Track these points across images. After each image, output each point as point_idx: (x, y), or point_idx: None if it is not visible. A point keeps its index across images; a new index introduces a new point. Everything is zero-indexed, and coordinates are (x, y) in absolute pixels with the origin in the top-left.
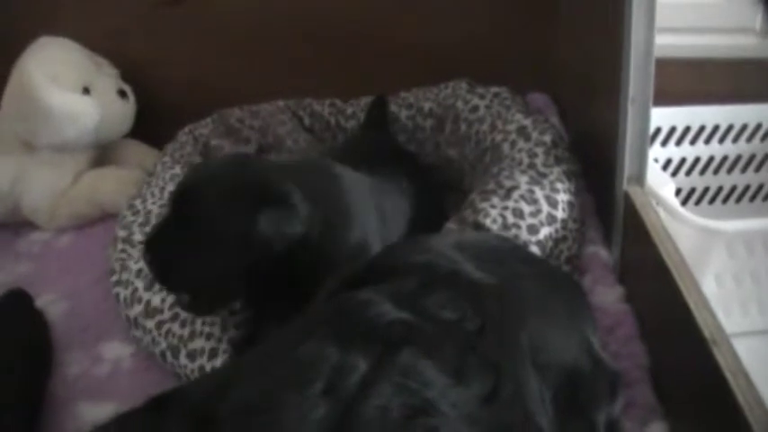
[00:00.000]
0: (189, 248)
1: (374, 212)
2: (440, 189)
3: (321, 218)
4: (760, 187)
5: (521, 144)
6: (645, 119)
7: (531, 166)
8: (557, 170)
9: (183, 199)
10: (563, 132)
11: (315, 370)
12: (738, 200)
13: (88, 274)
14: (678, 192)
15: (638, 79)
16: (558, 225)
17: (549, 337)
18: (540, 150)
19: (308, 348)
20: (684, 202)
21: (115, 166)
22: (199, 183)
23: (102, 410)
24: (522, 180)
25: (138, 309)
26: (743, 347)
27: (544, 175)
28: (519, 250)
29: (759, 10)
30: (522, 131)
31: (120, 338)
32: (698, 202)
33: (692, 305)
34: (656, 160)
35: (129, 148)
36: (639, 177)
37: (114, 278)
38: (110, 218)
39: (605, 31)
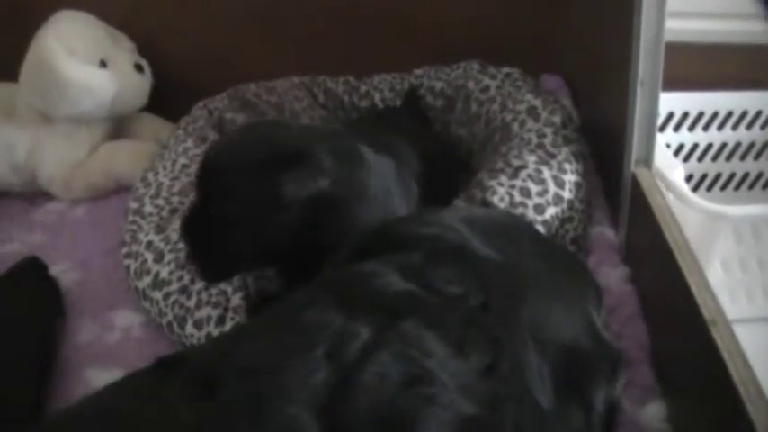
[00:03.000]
0: (222, 225)
1: (397, 181)
2: (452, 167)
3: (347, 177)
4: None
5: (530, 124)
6: (653, 102)
7: (540, 146)
8: (565, 151)
9: (206, 176)
10: (573, 113)
11: (317, 335)
12: (751, 187)
13: (101, 244)
14: (690, 178)
15: (647, 62)
16: (565, 205)
17: (552, 315)
18: (548, 131)
19: (312, 315)
20: (696, 188)
21: (130, 139)
22: (220, 157)
23: (111, 376)
24: (531, 160)
25: (146, 280)
26: (749, 333)
27: (552, 156)
28: (527, 228)
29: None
30: (531, 111)
31: (131, 308)
32: (710, 189)
33: (692, 286)
34: (668, 145)
35: (145, 122)
36: (647, 160)
37: (125, 250)
38: (124, 190)
39: (616, 14)
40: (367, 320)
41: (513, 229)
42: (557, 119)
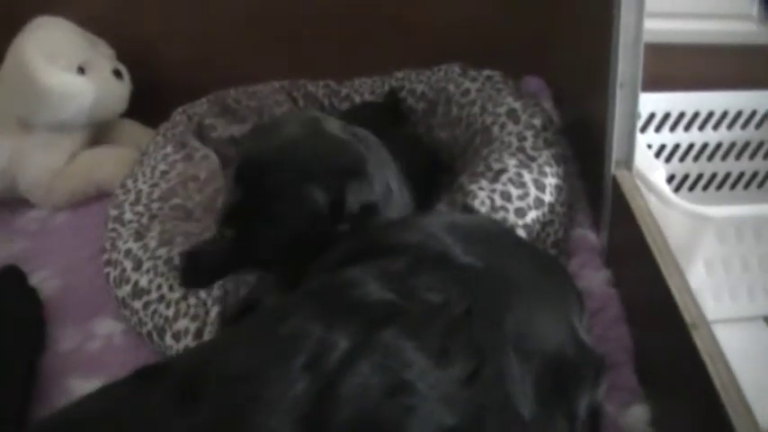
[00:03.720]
0: (269, 224)
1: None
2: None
3: (386, 185)
4: (754, 175)
5: (510, 127)
6: (633, 104)
7: (520, 149)
8: (545, 154)
9: (255, 171)
10: (554, 116)
11: (297, 346)
12: (732, 187)
13: (83, 251)
14: (672, 178)
15: (626, 64)
16: (546, 209)
17: (534, 322)
18: (529, 134)
19: (292, 324)
20: (678, 189)
21: (111, 145)
22: (271, 153)
23: (93, 385)
24: (511, 163)
25: (126, 289)
26: (733, 333)
27: (533, 159)
28: (509, 234)
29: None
30: (511, 114)
31: (113, 315)
32: (692, 189)
33: (673, 290)
34: (649, 146)
35: (125, 128)
36: (628, 161)
37: (105, 257)
38: (105, 196)
39: (596, 16)
40: (346, 330)
41: (495, 234)
42: (537, 121)
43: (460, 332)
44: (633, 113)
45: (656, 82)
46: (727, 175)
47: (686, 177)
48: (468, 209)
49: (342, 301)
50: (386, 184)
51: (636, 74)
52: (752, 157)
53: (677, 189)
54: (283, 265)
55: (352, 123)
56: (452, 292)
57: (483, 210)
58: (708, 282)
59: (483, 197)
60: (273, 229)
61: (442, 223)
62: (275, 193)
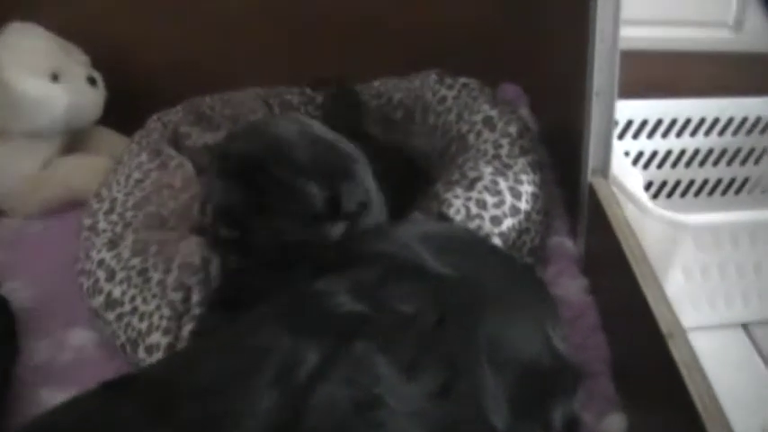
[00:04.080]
0: (269, 222)
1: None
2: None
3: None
4: (731, 181)
5: (486, 134)
6: (609, 111)
7: (496, 156)
8: (521, 161)
9: (251, 169)
10: (531, 123)
11: (266, 359)
12: (710, 193)
13: (57, 261)
14: (650, 185)
15: (602, 72)
16: (522, 216)
17: (509, 333)
18: (505, 141)
19: (262, 337)
20: (656, 196)
21: (86, 153)
22: (266, 150)
23: (66, 397)
24: (487, 171)
25: (99, 300)
26: (711, 341)
27: (508, 167)
28: (483, 243)
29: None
30: (487, 122)
31: (86, 326)
32: (669, 195)
33: (649, 298)
34: (626, 153)
35: (100, 136)
36: (604, 169)
37: (78, 267)
38: (80, 205)
39: (572, 24)
40: (316, 343)
41: (468, 244)
42: (513, 129)
43: (432, 344)
44: (609, 121)
45: (633, 89)
46: (705, 182)
47: (664, 184)
48: (444, 217)
49: (312, 312)
50: (369, 188)
51: (612, 82)
52: (729, 163)
53: (655, 196)
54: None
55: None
56: (424, 303)
57: (458, 218)
58: (686, 289)
59: (458, 205)
60: (273, 228)
61: (415, 233)
62: (273, 189)
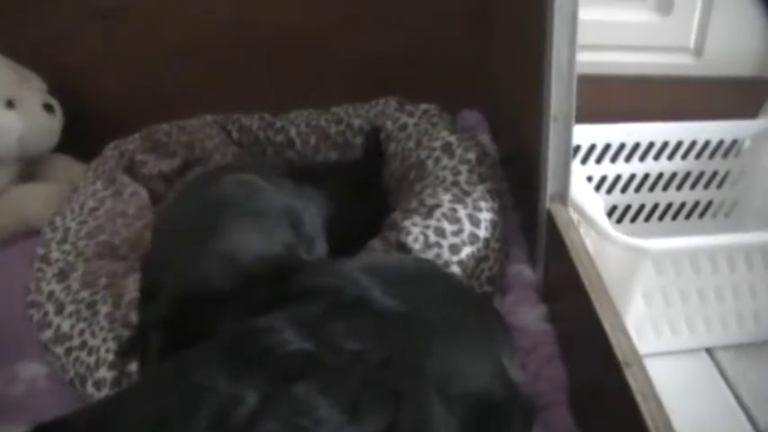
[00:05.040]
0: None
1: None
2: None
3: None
4: (695, 204)
5: (445, 161)
6: (567, 137)
7: (455, 183)
8: (480, 188)
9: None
10: (490, 149)
11: (201, 402)
12: (674, 217)
13: (8, 291)
14: (614, 209)
15: (560, 98)
16: (481, 244)
17: (459, 366)
18: (463, 168)
19: (198, 378)
20: (620, 220)
21: (42, 181)
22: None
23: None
24: (445, 198)
25: (48, 333)
26: (672, 366)
27: (467, 194)
28: (434, 273)
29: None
30: (446, 148)
31: (37, 359)
32: (633, 220)
33: (606, 326)
34: (590, 178)
35: (57, 163)
36: (563, 195)
37: (29, 298)
38: (35, 234)
39: (530, 50)
40: (255, 383)
41: (419, 275)
42: (471, 156)
43: (377, 383)
44: (568, 146)
45: (595, 113)
46: (669, 206)
47: (628, 208)
48: (402, 246)
49: (253, 350)
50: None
51: (569, 108)
52: (692, 187)
53: (619, 220)
54: None
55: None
56: (370, 339)
57: (417, 246)
58: (648, 315)
59: (416, 233)
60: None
61: (362, 265)
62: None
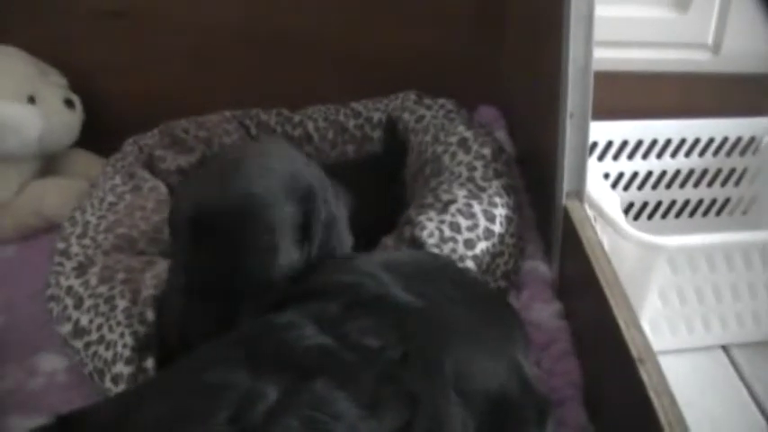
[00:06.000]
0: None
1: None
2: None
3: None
4: (713, 202)
5: (460, 156)
6: (584, 133)
7: (470, 179)
8: (495, 184)
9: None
10: (506, 145)
11: (221, 397)
12: (691, 214)
13: (29, 286)
14: (630, 206)
15: (576, 94)
16: (496, 240)
17: (476, 363)
18: (479, 164)
19: (217, 373)
20: (637, 217)
21: (62, 176)
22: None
23: (35, 424)
24: (460, 194)
25: (67, 327)
26: (691, 363)
27: (483, 189)
28: (450, 269)
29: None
30: (462, 143)
31: (56, 352)
32: (650, 217)
33: (621, 323)
34: (607, 174)
35: (77, 159)
36: (579, 192)
37: (48, 292)
38: (55, 229)
39: (546, 46)
40: (275, 379)
41: (435, 271)
42: (487, 151)
43: (396, 379)
44: (584, 144)
45: (612, 110)
46: (686, 203)
47: (645, 205)
48: (416, 240)
49: (273, 347)
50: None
51: (586, 104)
52: (709, 184)
53: (636, 217)
54: None
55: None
56: (389, 335)
57: (432, 241)
58: (663, 312)
59: (432, 228)
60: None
61: (380, 262)
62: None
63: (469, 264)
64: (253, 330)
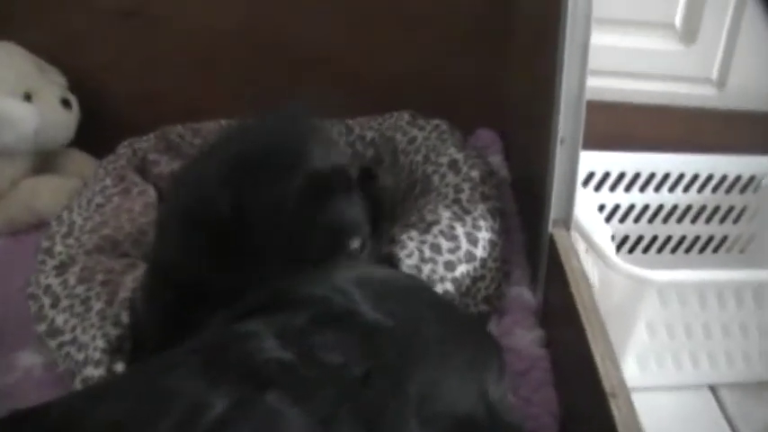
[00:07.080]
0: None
1: None
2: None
3: None
4: (710, 239)
5: (449, 178)
6: (573, 161)
7: (456, 201)
8: (481, 207)
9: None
10: (500, 169)
11: (169, 404)
12: (687, 250)
13: (14, 281)
14: (625, 239)
15: (568, 120)
16: (477, 263)
17: (444, 386)
18: (466, 186)
19: (170, 379)
20: (632, 250)
21: (56, 174)
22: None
23: None
24: (445, 215)
25: (42, 327)
26: (676, 401)
27: (467, 212)
28: (425, 291)
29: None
30: (452, 165)
31: (35, 348)
32: (646, 251)
33: (596, 355)
34: (602, 206)
35: (72, 158)
36: (566, 220)
37: (29, 290)
38: (46, 226)
39: (540, 72)
40: (229, 389)
41: (409, 291)
42: (476, 174)
43: (355, 398)
44: (573, 171)
45: (612, 140)
46: (683, 239)
47: (641, 239)
48: (392, 258)
49: (233, 356)
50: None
51: (578, 131)
52: (707, 221)
53: (631, 250)
54: None
55: None
56: (353, 352)
57: (411, 261)
58: (650, 346)
59: (412, 248)
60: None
61: (353, 277)
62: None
63: (449, 286)
64: (215, 337)
